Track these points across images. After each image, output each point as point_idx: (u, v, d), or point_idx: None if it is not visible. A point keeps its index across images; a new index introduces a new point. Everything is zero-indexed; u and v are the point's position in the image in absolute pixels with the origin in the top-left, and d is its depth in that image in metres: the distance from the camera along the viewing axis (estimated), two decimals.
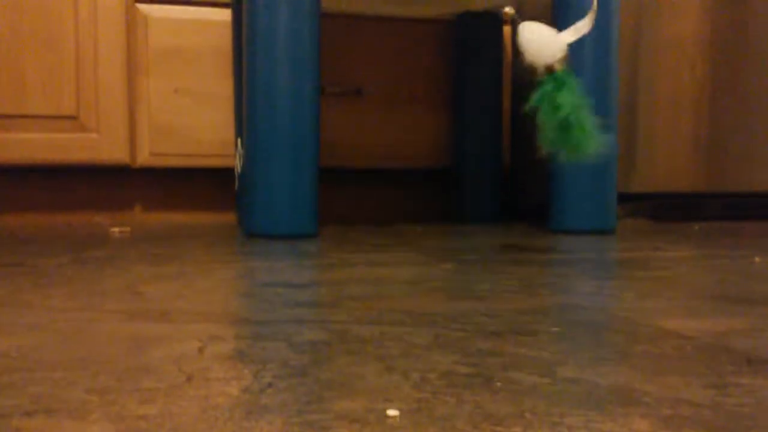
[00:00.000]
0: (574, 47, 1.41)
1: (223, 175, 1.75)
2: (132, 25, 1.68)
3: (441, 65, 1.87)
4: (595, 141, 1.00)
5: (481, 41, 1.79)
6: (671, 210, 1.36)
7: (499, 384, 0.40)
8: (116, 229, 1.47)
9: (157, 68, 1.70)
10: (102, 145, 1.66)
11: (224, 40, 1.72)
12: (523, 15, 1.88)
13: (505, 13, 1.05)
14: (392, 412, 0.35)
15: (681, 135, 1.70)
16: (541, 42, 1.01)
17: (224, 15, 1.72)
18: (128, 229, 1.49)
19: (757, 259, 1.01)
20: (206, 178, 1.78)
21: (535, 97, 1.02)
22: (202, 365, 0.44)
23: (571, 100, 0.99)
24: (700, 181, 1.70)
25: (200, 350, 0.47)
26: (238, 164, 1.62)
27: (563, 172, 1.44)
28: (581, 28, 1.01)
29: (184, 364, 0.44)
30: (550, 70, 1.01)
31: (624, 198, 1.61)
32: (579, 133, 1.00)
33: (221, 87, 1.73)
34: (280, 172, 1.28)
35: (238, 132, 1.60)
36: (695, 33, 1.68)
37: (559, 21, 1.43)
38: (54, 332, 0.53)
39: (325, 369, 0.43)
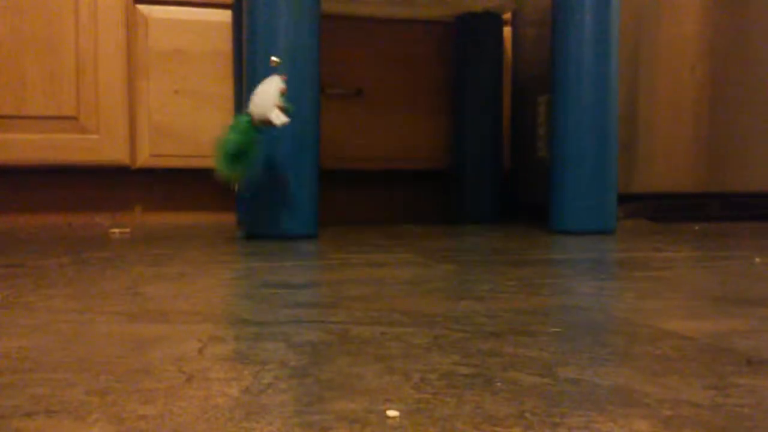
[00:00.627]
0: (576, 49, 1.41)
1: None
2: (132, 26, 1.68)
3: (441, 66, 1.88)
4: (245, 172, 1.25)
5: (481, 42, 1.79)
6: (671, 210, 1.36)
7: (499, 384, 0.40)
8: (116, 230, 1.47)
9: (157, 69, 1.70)
10: (102, 145, 1.66)
11: (224, 41, 1.72)
12: (523, 15, 1.88)
13: (272, 62, 1.26)
14: (392, 413, 0.35)
15: (681, 136, 1.70)
16: (262, 100, 1.21)
17: (224, 16, 1.72)
18: (128, 229, 1.49)
19: (757, 259, 1.01)
20: (206, 179, 1.79)
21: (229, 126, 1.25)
22: (202, 366, 0.44)
23: (237, 143, 1.22)
24: (700, 181, 1.70)
25: (200, 351, 0.47)
26: None
27: (563, 172, 1.44)
28: (281, 119, 1.21)
29: (184, 365, 0.44)
30: (251, 117, 1.23)
31: (624, 198, 1.61)
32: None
33: (221, 88, 1.73)
34: (279, 173, 1.28)
35: None
36: (695, 34, 1.68)
37: (558, 21, 1.44)
38: (54, 333, 0.53)
39: (324, 369, 0.43)
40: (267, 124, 1.21)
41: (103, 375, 0.42)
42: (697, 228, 1.52)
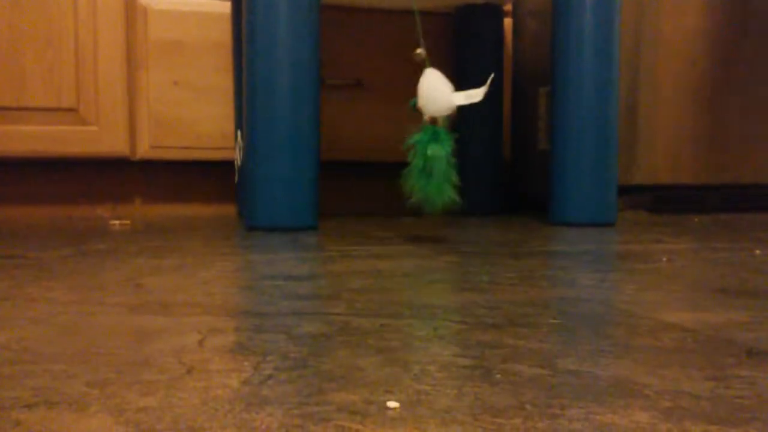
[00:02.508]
0: (577, 41, 1.41)
1: (223, 167, 1.75)
2: (131, 17, 1.68)
3: (441, 57, 1.87)
4: (446, 195, 1.09)
5: (482, 33, 1.79)
6: (671, 202, 1.36)
7: (499, 376, 0.40)
8: (116, 222, 1.47)
9: (156, 61, 1.70)
10: (102, 137, 1.66)
11: (224, 32, 1.72)
12: (524, 6, 1.88)
13: (416, 54, 1.12)
14: (392, 404, 0.35)
15: (681, 128, 1.69)
16: (435, 95, 1.08)
17: (224, 7, 1.71)
18: (128, 221, 1.49)
19: (757, 251, 1.01)
20: (206, 170, 1.78)
21: (411, 140, 1.10)
22: (202, 357, 0.44)
23: (440, 153, 1.07)
24: (700, 173, 1.69)
25: (200, 342, 0.47)
26: (238, 157, 1.61)
27: (564, 165, 1.44)
28: (473, 95, 1.08)
29: (185, 357, 0.44)
30: (433, 121, 1.09)
31: (624, 190, 1.61)
32: (436, 185, 1.08)
33: (221, 80, 1.72)
34: (280, 164, 1.27)
35: (238, 124, 1.60)
36: (696, 28, 1.67)
37: (559, 12, 1.43)
38: (54, 325, 0.53)
39: (325, 361, 0.43)
40: (432, 121, 1.09)
41: (103, 367, 0.42)
42: (697, 220, 1.52)
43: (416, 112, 1.11)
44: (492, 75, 1.10)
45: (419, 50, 1.11)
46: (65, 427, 0.32)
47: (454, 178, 1.09)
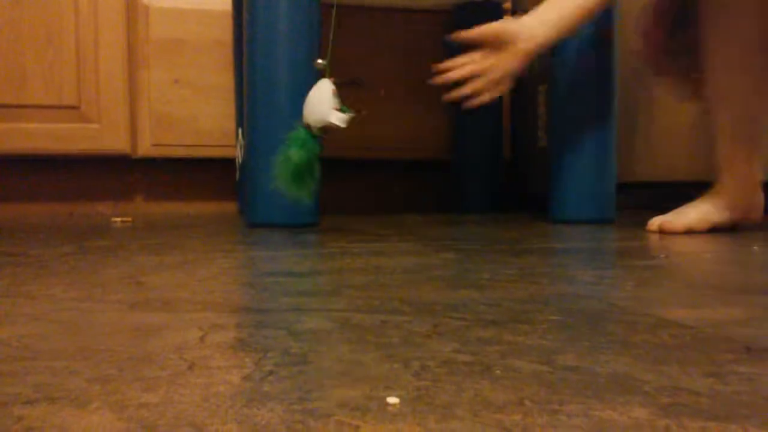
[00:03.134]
0: (576, 38, 1.41)
1: (224, 165, 1.75)
2: (132, 15, 1.68)
3: (441, 55, 1.87)
4: (295, 191, 1.18)
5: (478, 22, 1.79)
6: (670, 199, 1.36)
7: (498, 372, 0.40)
8: (118, 219, 1.47)
9: (157, 59, 1.70)
10: (103, 135, 1.66)
11: (225, 30, 1.72)
12: (523, 4, 1.88)
13: (317, 64, 1.20)
14: (392, 400, 0.35)
15: (680, 125, 1.69)
16: (317, 107, 1.16)
17: (225, 5, 1.71)
18: (130, 218, 1.50)
19: (755, 248, 1.02)
20: (207, 168, 1.79)
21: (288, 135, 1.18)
22: (203, 354, 0.44)
23: (297, 158, 1.16)
24: (699, 170, 1.69)
25: (202, 339, 0.47)
26: (239, 154, 1.62)
27: (563, 162, 1.44)
28: (342, 120, 1.17)
29: (186, 353, 0.44)
30: (308, 128, 1.18)
31: (623, 188, 1.61)
32: (290, 180, 1.18)
33: (222, 77, 1.72)
34: None
35: (239, 122, 1.60)
36: None
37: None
38: (56, 321, 0.53)
39: (325, 357, 0.43)
40: (326, 129, 1.17)
41: (104, 363, 0.42)
42: None
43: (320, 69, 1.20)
44: (362, 79, 1.21)
45: (320, 61, 1.20)
46: (66, 423, 0.32)
47: (308, 181, 1.18)
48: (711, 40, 1.20)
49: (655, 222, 1.26)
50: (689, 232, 1.24)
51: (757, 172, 1.26)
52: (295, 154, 1.16)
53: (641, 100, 1.68)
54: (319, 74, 1.20)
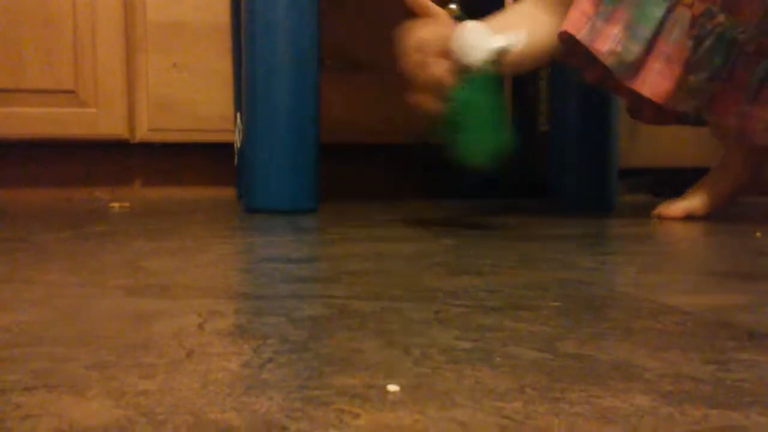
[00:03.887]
0: None
1: (222, 150, 1.74)
2: None
3: None
4: (484, 145, 1.00)
5: (484, 12, 1.77)
6: (672, 185, 1.36)
7: (499, 359, 0.40)
8: (116, 204, 1.47)
9: (155, 43, 1.69)
10: (100, 119, 1.66)
11: (223, 15, 1.71)
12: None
13: (450, 10, 1.02)
14: (393, 388, 0.35)
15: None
16: (471, 43, 0.98)
17: None
18: (128, 204, 1.49)
19: (757, 234, 1.01)
20: (206, 153, 1.78)
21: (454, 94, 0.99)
22: (202, 340, 0.44)
23: (472, 100, 0.98)
24: (702, 156, 1.69)
25: (200, 325, 0.47)
26: (237, 139, 1.61)
27: (564, 148, 1.43)
28: (511, 38, 0.99)
29: (184, 340, 0.44)
30: (477, 70, 0.98)
31: (625, 173, 1.61)
32: (471, 135, 0.99)
33: (220, 62, 1.72)
34: (279, 147, 1.27)
35: (238, 107, 1.59)
36: None
37: None
38: (54, 308, 0.53)
39: (325, 344, 0.43)
40: (498, 59, 0.98)
41: (102, 349, 0.42)
42: None
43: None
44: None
45: (452, 6, 1.04)
46: (65, 409, 0.32)
47: (495, 125, 0.99)
48: None
49: (657, 209, 1.26)
50: (690, 217, 1.23)
51: (758, 147, 1.24)
52: (466, 97, 0.97)
53: None
54: (455, 20, 1.02)
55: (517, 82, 1.91)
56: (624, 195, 1.64)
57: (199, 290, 0.59)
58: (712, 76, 1.08)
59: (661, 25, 1.08)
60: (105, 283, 0.63)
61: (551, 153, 1.47)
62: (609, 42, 1.08)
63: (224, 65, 1.72)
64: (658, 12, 1.08)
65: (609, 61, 1.08)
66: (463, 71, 0.98)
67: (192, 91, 1.71)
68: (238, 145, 1.59)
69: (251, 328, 0.47)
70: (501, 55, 0.98)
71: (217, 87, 1.72)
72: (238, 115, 1.57)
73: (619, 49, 1.08)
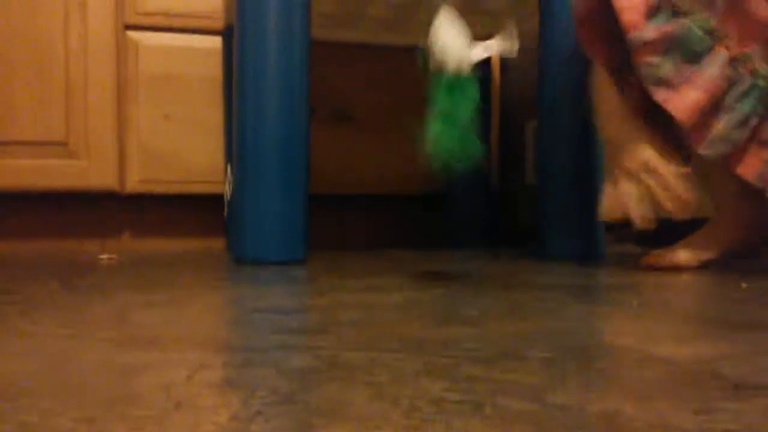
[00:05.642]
0: (563, 77, 1.43)
1: (212, 201, 1.75)
2: (122, 51, 1.69)
3: (426, 91, 1.89)
4: (465, 148, 1.00)
5: None
6: (658, 235, 1.37)
7: (488, 410, 0.40)
8: (104, 256, 1.47)
9: (147, 95, 1.70)
10: (91, 171, 1.66)
11: (214, 67, 1.73)
12: (511, 94, 1.90)
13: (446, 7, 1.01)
14: None
15: None
16: (452, 47, 0.99)
17: (215, 42, 1.73)
18: (116, 256, 1.49)
19: (743, 285, 1.02)
20: (196, 204, 1.78)
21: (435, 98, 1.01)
22: (190, 392, 0.43)
23: (463, 105, 1.00)
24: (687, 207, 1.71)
25: (189, 377, 0.47)
26: (227, 190, 1.62)
27: (551, 199, 1.45)
28: (491, 47, 1.02)
29: (173, 392, 0.43)
30: (455, 72, 0.99)
31: (612, 224, 1.62)
32: (451, 138, 1.00)
33: (211, 114, 1.73)
34: (269, 197, 1.28)
35: (228, 158, 1.60)
36: None
37: (546, 48, 1.45)
38: (41, 360, 0.52)
39: (314, 396, 0.43)
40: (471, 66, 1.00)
41: (90, 402, 0.41)
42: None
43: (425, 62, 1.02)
44: (514, 27, 1.01)
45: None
46: None
47: (464, 127, 1.01)
48: None
49: (645, 259, 1.27)
50: (677, 268, 1.24)
51: (752, 206, 1.26)
52: (454, 108, 0.99)
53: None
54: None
55: (505, 135, 1.94)
56: (611, 246, 1.65)
57: (187, 342, 0.59)
58: (739, 125, 1.09)
59: (699, 60, 1.10)
60: (93, 335, 0.62)
61: (539, 205, 1.48)
62: (649, 50, 1.10)
63: (215, 116, 1.73)
64: (698, 48, 1.10)
65: (643, 69, 1.11)
66: (440, 70, 1.00)
67: (183, 143, 1.72)
68: (228, 197, 1.60)
69: (240, 379, 0.47)
70: (477, 61, 1.00)
71: (207, 138, 1.74)
72: (228, 166, 1.58)
73: (655, 61, 1.10)
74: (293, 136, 1.29)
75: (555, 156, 1.44)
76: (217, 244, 1.79)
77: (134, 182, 1.70)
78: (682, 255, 1.25)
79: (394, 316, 0.73)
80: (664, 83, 1.10)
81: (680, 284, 1.06)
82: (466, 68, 0.99)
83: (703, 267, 1.25)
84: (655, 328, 0.68)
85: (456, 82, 1.00)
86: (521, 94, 1.86)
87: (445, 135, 0.99)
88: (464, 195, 1.81)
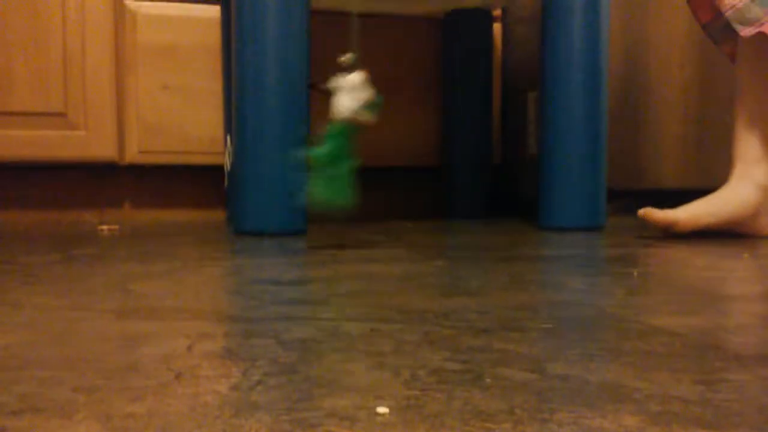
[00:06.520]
0: (566, 46, 1.41)
1: (212, 172, 1.74)
2: (120, 21, 1.67)
3: (431, 62, 1.87)
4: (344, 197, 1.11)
5: (472, 38, 1.79)
6: (660, 206, 1.37)
7: (489, 380, 0.40)
8: (105, 227, 1.46)
9: (145, 65, 1.69)
10: (90, 142, 1.65)
11: (213, 36, 1.71)
12: (513, 12, 1.88)
13: (344, 60, 1.14)
14: (382, 410, 0.35)
15: (668, 133, 1.70)
16: (344, 99, 1.11)
17: (213, 12, 1.71)
18: (117, 226, 1.49)
19: (745, 255, 1.02)
20: (196, 175, 1.78)
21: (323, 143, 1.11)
22: (191, 363, 0.43)
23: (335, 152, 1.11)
24: (688, 177, 1.70)
25: (189, 348, 0.47)
26: (227, 161, 1.61)
27: (552, 170, 1.44)
28: (368, 115, 1.13)
29: (173, 362, 0.43)
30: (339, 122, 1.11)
31: (613, 195, 1.62)
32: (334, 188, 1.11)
33: (210, 84, 1.72)
34: (269, 168, 1.27)
35: (228, 129, 1.59)
36: (684, 33, 1.68)
37: (548, 18, 1.44)
38: (42, 331, 0.52)
39: (314, 366, 0.43)
40: (354, 122, 1.12)
41: (90, 372, 0.41)
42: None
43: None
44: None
45: (346, 57, 1.15)
46: None
47: (339, 178, 1.11)
48: (746, 81, 1.28)
49: (645, 210, 1.27)
50: (674, 227, 1.24)
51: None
52: (334, 157, 1.10)
53: (631, 108, 1.68)
54: (346, 69, 1.14)
55: (506, 105, 1.92)
56: (612, 216, 1.64)
57: (188, 313, 0.59)
58: None
59: None
60: (93, 306, 0.62)
61: (540, 175, 1.47)
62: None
63: (215, 87, 1.72)
64: None
65: (729, 13, 1.20)
66: (332, 121, 1.11)
67: (182, 113, 1.71)
68: (228, 168, 1.60)
69: (240, 350, 0.47)
70: (361, 116, 1.12)
71: (207, 109, 1.73)
72: (228, 137, 1.58)
73: (741, 5, 1.19)
74: (292, 106, 1.28)
75: (556, 126, 1.43)
76: (217, 215, 1.79)
77: (133, 153, 1.69)
78: (681, 214, 1.25)
79: (395, 288, 0.73)
80: (752, 22, 1.18)
81: (681, 255, 1.06)
82: (351, 120, 1.11)
83: (698, 231, 1.25)
84: (656, 300, 0.68)
85: (346, 131, 1.11)
86: (522, 66, 1.84)
87: (321, 185, 1.11)
88: (465, 167, 1.81)
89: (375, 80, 1.79)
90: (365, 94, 1.12)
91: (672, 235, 1.26)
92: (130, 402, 0.36)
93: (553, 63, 1.43)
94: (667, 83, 1.69)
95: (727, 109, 1.65)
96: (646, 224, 1.26)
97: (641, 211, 1.26)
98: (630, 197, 1.71)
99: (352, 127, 1.12)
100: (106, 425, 0.33)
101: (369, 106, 1.12)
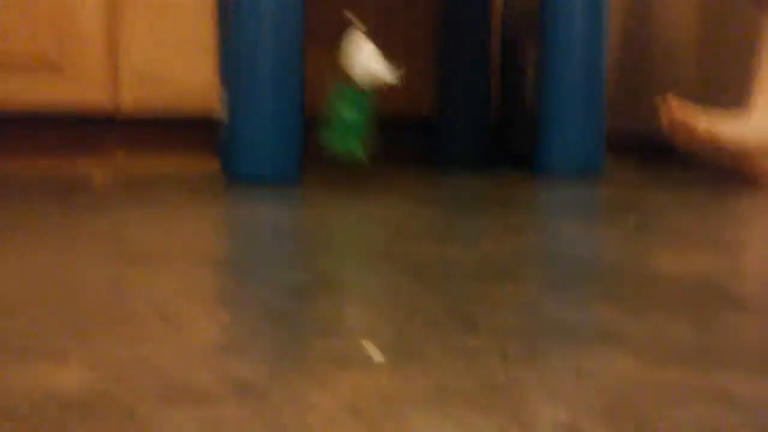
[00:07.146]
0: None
1: (206, 122, 1.73)
2: None
3: (428, 12, 1.84)
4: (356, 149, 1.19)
5: None
6: (658, 153, 1.36)
7: (483, 324, 0.40)
8: (98, 176, 1.46)
9: (139, 16, 1.66)
10: (84, 92, 1.64)
11: None
12: (511, 14, 1.85)
13: (348, 18, 1.19)
14: (374, 353, 0.35)
15: (669, 78, 1.68)
16: (366, 63, 1.16)
17: None
18: (111, 175, 1.48)
19: (742, 201, 1.01)
20: (190, 125, 1.76)
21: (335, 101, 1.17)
22: (182, 309, 0.43)
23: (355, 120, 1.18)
24: None
25: (181, 293, 0.47)
26: (222, 111, 1.60)
27: (551, 115, 1.43)
28: (396, 76, 1.18)
29: (165, 308, 0.43)
30: (355, 85, 1.17)
31: (611, 140, 1.61)
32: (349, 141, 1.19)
33: (205, 35, 1.69)
34: (263, 118, 1.26)
35: (222, 79, 1.57)
36: None
37: (545, 21, 1.42)
38: (34, 276, 0.52)
39: (306, 310, 0.43)
40: (377, 85, 1.16)
41: (81, 317, 0.41)
42: (683, 170, 1.52)
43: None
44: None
45: (348, 15, 1.20)
46: (42, 378, 0.31)
47: (364, 139, 1.19)
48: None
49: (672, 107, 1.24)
50: (693, 131, 1.21)
51: None
52: (350, 115, 1.16)
53: (631, 53, 1.66)
54: (348, 25, 1.17)
55: (505, 54, 1.90)
56: (610, 163, 1.64)
57: (180, 259, 0.59)
58: None
59: None
60: (87, 252, 0.62)
61: (538, 120, 1.46)
62: None
63: (209, 38, 1.69)
64: None
65: None
66: (347, 81, 1.16)
67: (176, 64, 1.69)
68: (222, 117, 1.58)
69: (233, 296, 0.46)
70: (379, 83, 1.16)
71: (201, 59, 1.70)
72: (222, 87, 1.56)
73: None
74: (287, 56, 1.26)
75: (556, 73, 1.41)
76: (212, 164, 1.78)
77: (128, 103, 1.68)
78: (703, 119, 1.21)
79: (390, 235, 0.72)
80: None
81: (679, 202, 1.06)
82: (367, 87, 1.16)
83: (713, 144, 1.21)
84: (653, 244, 0.68)
85: (357, 96, 1.17)
86: (522, 13, 1.81)
87: (337, 141, 1.18)
88: (463, 120, 1.79)
89: (371, 28, 1.76)
90: (382, 59, 1.15)
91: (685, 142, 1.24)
92: (119, 346, 0.36)
93: (553, 9, 1.41)
94: (668, 29, 1.66)
95: (734, 52, 1.63)
96: (667, 116, 1.23)
97: (664, 106, 1.23)
98: (628, 143, 1.70)
99: (370, 86, 1.16)
100: (95, 369, 0.32)
101: (386, 70, 1.15)
